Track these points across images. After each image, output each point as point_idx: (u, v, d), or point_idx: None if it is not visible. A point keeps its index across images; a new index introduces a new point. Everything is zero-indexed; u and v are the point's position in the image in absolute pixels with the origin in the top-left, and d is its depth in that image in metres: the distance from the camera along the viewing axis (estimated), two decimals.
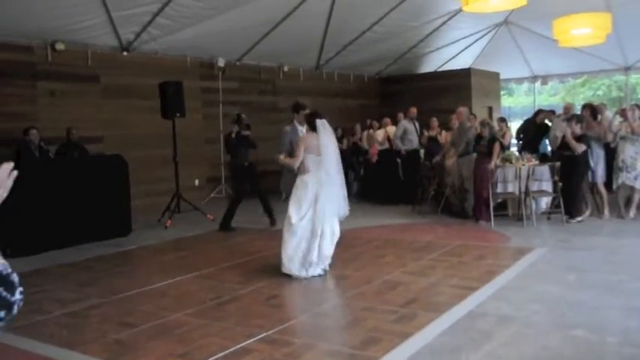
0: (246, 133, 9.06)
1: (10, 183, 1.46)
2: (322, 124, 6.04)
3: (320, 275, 5.96)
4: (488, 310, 4.69)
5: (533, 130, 11.95)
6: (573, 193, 8.24)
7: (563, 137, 8.44)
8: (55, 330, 4.62)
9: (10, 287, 1.29)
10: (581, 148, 8.09)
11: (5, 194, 1.46)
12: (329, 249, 6.00)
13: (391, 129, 11.89)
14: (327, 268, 6.07)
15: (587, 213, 8.58)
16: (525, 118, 13.45)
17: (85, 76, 10.33)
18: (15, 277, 1.32)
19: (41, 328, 4.68)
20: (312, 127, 6.06)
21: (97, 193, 8.24)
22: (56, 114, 9.75)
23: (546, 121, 11.87)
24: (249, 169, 9.07)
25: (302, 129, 6.73)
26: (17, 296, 1.30)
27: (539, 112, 12.71)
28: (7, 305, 1.28)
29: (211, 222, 9.42)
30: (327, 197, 5.91)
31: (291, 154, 6.41)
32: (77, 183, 8.08)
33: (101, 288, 5.83)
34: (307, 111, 6.71)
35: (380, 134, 12.02)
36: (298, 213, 5.90)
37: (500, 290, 5.23)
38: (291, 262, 5.91)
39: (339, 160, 6.17)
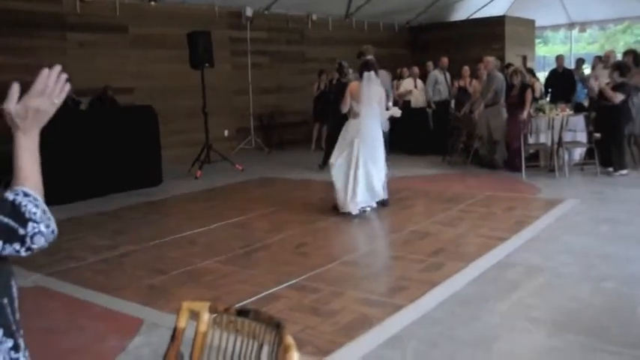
0: (346, 80, 9.23)
1: (60, 89, 1.35)
2: (368, 76, 6.44)
3: (353, 214, 6.29)
4: (517, 260, 4.67)
5: (556, 80, 11.67)
6: (617, 144, 7.99)
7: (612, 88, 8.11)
8: (90, 275, 4.76)
9: (21, 218, 1.26)
10: (617, 97, 7.80)
11: (58, 101, 1.36)
12: (362, 192, 6.33)
13: (407, 82, 11.65)
14: (362, 209, 6.37)
15: None
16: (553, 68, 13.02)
17: (114, 27, 10.31)
18: (30, 210, 1.27)
19: (77, 273, 4.82)
20: (361, 76, 6.51)
21: (128, 143, 8.33)
22: (86, 66, 9.77)
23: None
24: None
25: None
26: (29, 230, 1.27)
27: (558, 57, 12.39)
28: (17, 237, 1.26)
29: (240, 172, 9.49)
30: (362, 143, 6.33)
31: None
32: (109, 134, 8.17)
33: (133, 236, 5.96)
34: (366, 58, 6.84)
35: (407, 84, 11.74)
36: (336, 154, 6.51)
37: (530, 241, 5.19)
38: (338, 199, 6.42)
39: (379, 112, 6.51)
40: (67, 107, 8.67)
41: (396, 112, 6.87)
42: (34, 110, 1.33)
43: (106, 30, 10.19)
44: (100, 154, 7.97)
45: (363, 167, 6.33)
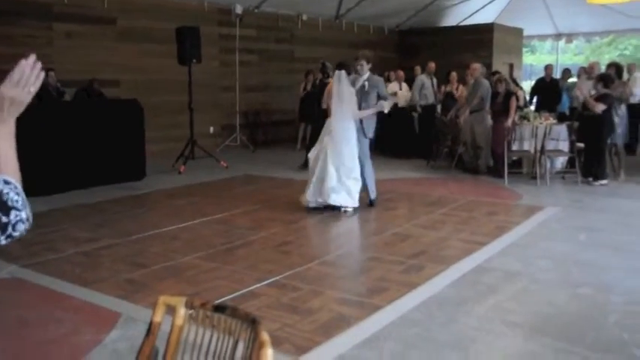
0: (328, 81, 9.29)
1: (35, 77, 1.34)
2: (339, 75, 6.50)
3: (313, 208, 6.51)
4: (496, 265, 4.72)
5: (544, 89, 11.80)
6: (598, 154, 8.10)
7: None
8: (68, 268, 4.72)
9: (3, 207, 1.26)
10: (599, 108, 7.91)
11: (34, 89, 1.35)
12: (313, 186, 6.51)
13: (392, 85, 11.76)
14: (344, 209, 6.47)
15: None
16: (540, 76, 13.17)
17: (102, 19, 10.24)
18: (12, 199, 1.28)
19: (55, 265, 4.78)
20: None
21: (112, 136, 8.28)
22: (72, 56, 9.71)
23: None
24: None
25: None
26: (12, 218, 1.27)
27: (547, 66, 12.52)
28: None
29: (225, 169, 9.47)
30: (330, 142, 6.46)
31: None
32: (93, 126, 8.10)
33: (114, 229, 5.92)
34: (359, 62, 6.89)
35: (393, 87, 11.81)
36: (313, 150, 6.70)
37: (510, 246, 5.25)
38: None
39: (350, 108, 6.52)
40: (51, 97, 8.61)
41: (383, 105, 6.73)
42: (10, 100, 1.33)
43: (93, 21, 10.11)
44: (83, 146, 7.90)
45: (322, 165, 6.45)
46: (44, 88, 8.57)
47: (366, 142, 6.81)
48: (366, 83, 6.75)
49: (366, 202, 6.80)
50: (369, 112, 6.76)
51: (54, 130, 7.59)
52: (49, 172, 7.42)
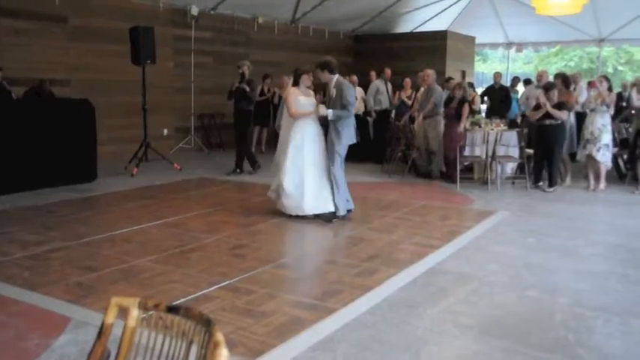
0: (244, 87, 9.42)
1: None
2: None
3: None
4: (448, 268, 4.81)
5: (493, 95, 12.12)
6: (555, 162, 8.30)
7: (538, 106, 8.35)
8: (16, 271, 4.58)
9: None
10: (565, 115, 8.16)
11: None
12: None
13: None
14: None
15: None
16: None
17: (53, 17, 9.97)
18: None
19: (1, 269, 4.63)
20: None
21: (62, 137, 8.08)
22: (20, 54, 9.42)
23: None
24: (246, 117, 9.61)
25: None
26: None
27: (496, 74, 12.85)
28: None
29: (178, 171, 9.36)
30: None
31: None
32: (42, 126, 7.89)
33: (64, 232, 5.77)
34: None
35: None
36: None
37: (461, 250, 5.36)
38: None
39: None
40: None
41: (318, 110, 6.39)
42: None
43: (43, 19, 9.83)
44: (31, 146, 7.69)
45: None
46: None
47: (334, 151, 6.34)
48: (334, 90, 6.43)
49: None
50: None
51: (1, 130, 7.35)
52: None
